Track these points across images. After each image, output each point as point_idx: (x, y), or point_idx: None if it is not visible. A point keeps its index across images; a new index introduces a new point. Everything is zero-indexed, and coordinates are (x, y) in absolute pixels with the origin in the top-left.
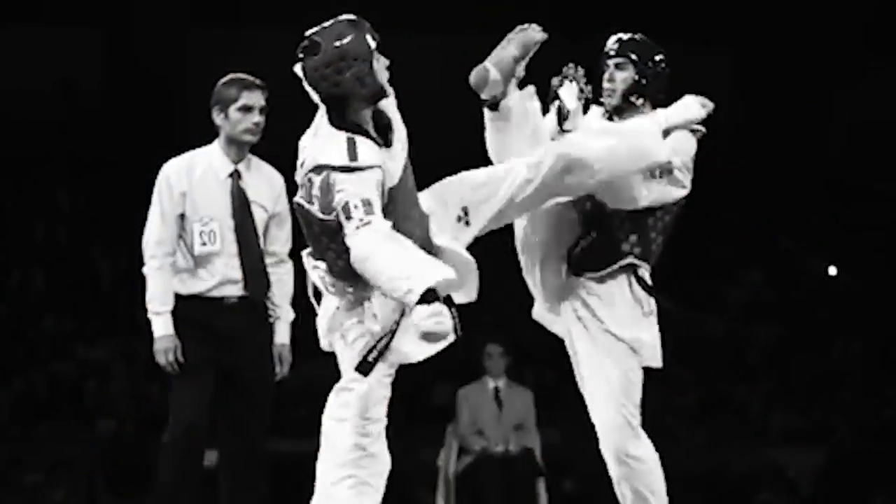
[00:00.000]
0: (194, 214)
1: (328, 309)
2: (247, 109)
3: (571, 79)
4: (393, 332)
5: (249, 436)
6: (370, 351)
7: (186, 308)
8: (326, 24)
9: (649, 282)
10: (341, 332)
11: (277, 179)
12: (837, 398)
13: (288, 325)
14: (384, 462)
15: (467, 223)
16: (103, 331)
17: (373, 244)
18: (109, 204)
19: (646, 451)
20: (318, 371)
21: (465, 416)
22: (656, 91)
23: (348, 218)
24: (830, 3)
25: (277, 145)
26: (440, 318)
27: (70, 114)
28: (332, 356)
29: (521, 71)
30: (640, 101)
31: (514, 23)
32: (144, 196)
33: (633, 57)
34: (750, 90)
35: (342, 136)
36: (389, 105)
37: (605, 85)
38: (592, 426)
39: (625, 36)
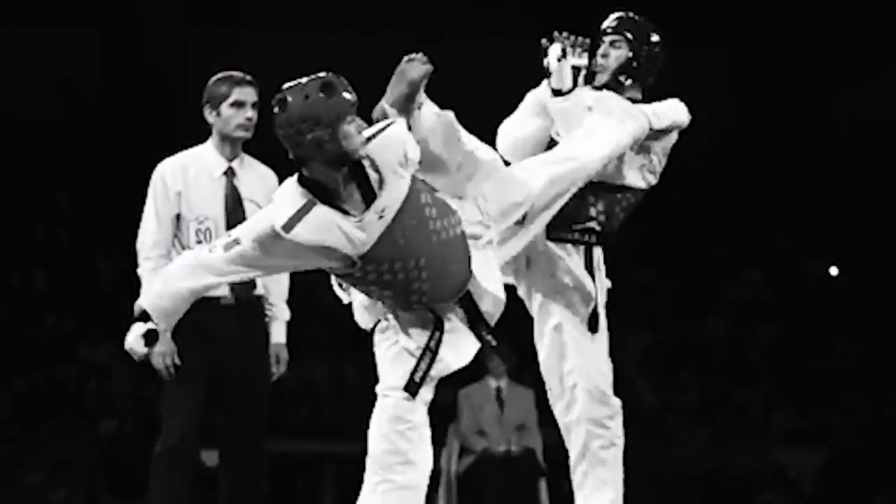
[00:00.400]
0: (190, 213)
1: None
2: (239, 105)
3: (561, 44)
4: (434, 350)
5: (248, 436)
6: (415, 370)
7: None
8: (304, 79)
9: (601, 299)
10: (378, 340)
11: (271, 178)
12: (838, 398)
13: (284, 325)
14: (424, 468)
15: (523, 224)
16: (104, 331)
17: (173, 265)
18: (110, 204)
19: (619, 403)
20: (317, 371)
21: (467, 416)
22: (647, 74)
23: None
24: (831, 4)
25: (276, 145)
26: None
27: (70, 114)
28: (330, 356)
29: (421, 99)
30: (629, 81)
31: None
32: (145, 196)
33: (630, 36)
34: (750, 90)
35: (301, 201)
36: (389, 161)
37: (598, 61)
38: None
39: (625, 14)
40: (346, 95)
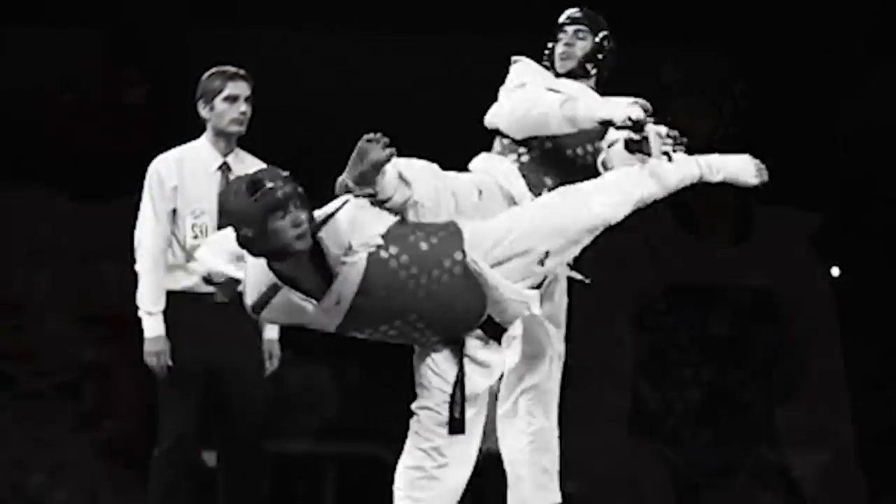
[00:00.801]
0: (186, 208)
1: None
2: (232, 99)
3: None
4: (463, 381)
5: (244, 435)
6: (452, 408)
7: (175, 304)
8: (242, 175)
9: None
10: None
11: None
12: (841, 399)
13: None
14: (448, 483)
15: (542, 264)
16: (107, 332)
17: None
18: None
19: None
20: (317, 371)
21: None
22: (607, 66)
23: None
24: (833, 5)
25: (269, 139)
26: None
27: None
28: (330, 356)
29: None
30: (595, 70)
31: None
32: None
33: (594, 28)
34: (751, 90)
35: (266, 284)
36: (332, 254)
37: (562, 49)
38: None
39: (586, 8)
40: (277, 191)
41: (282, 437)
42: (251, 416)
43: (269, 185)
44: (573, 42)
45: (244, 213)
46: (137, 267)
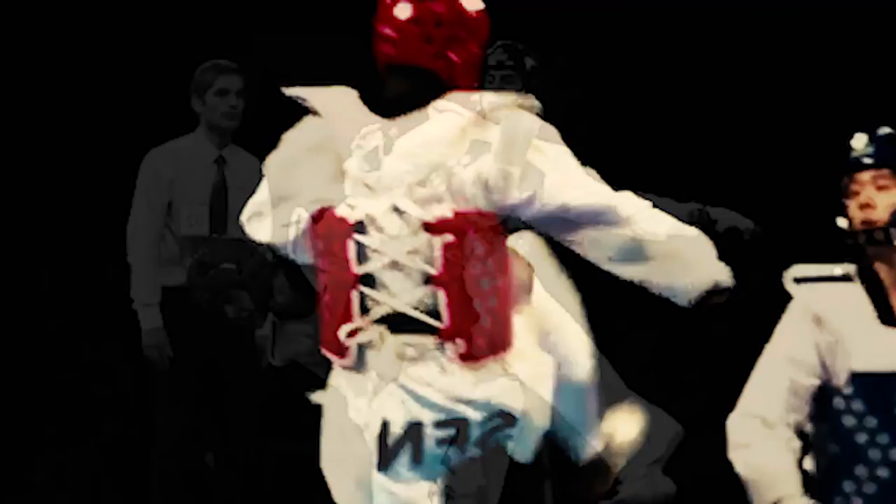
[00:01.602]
0: (182, 199)
1: None
2: (223, 93)
3: None
4: None
5: (240, 434)
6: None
7: (171, 299)
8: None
9: None
10: None
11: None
12: None
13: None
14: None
15: None
16: (109, 332)
17: None
18: (113, 202)
19: None
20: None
21: None
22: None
23: None
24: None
25: (264, 135)
26: None
27: None
28: None
29: None
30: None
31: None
32: None
33: (521, 67)
34: (753, 89)
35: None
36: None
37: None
38: None
39: (509, 45)
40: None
41: (282, 437)
42: (246, 416)
43: (220, 262)
44: (504, 89)
45: (198, 296)
46: (130, 260)
